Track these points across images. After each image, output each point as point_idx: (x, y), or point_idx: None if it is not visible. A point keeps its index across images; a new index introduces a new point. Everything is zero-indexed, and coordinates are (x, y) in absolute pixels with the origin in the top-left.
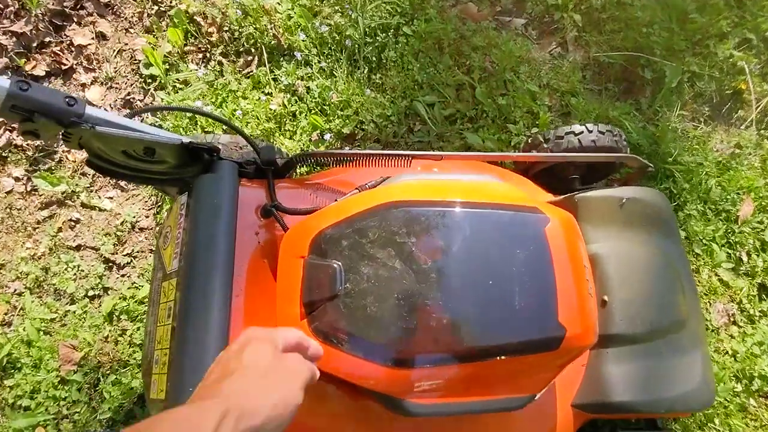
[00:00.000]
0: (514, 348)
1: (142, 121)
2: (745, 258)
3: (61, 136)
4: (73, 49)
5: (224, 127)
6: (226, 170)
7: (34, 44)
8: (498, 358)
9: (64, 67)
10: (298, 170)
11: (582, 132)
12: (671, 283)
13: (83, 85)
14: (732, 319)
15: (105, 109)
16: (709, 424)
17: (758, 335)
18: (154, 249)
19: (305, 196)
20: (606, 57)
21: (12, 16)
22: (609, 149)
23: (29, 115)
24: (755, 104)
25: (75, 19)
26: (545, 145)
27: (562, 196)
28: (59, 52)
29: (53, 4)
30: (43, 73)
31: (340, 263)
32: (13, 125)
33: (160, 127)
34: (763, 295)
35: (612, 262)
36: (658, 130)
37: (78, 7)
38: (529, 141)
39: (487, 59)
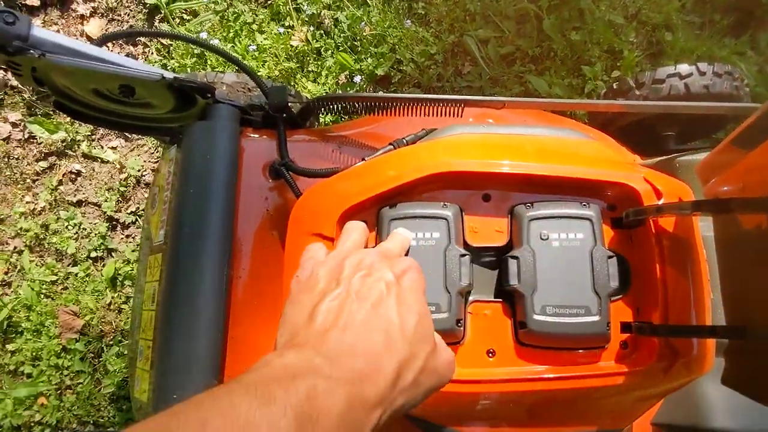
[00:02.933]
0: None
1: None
2: None
3: (8, 68)
4: None
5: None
6: (224, 116)
7: None
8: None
9: None
10: (321, 120)
11: (691, 74)
12: None
13: (82, 17)
14: None
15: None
16: None
17: None
18: (142, 215)
19: (326, 152)
20: None
21: None
22: (726, 98)
23: None
24: None
25: None
26: (637, 92)
27: (657, 159)
28: None
29: None
30: (38, 3)
31: None
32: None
33: (164, 67)
34: None
35: (718, 245)
36: None
37: None
38: (615, 86)
39: None
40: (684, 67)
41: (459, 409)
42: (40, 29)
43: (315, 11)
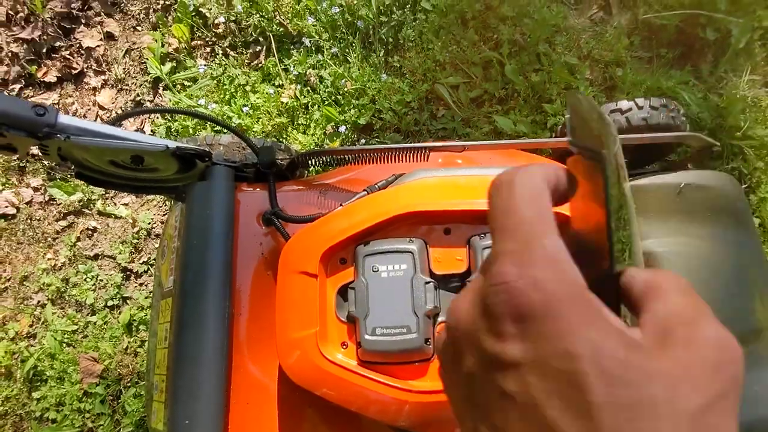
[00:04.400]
0: None
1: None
2: None
3: (38, 150)
4: (82, 51)
5: (242, 107)
6: (221, 176)
7: (44, 50)
8: None
9: (74, 72)
10: (311, 169)
11: (630, 109)
12: (744, 286)
13: (94, 89)
14: None
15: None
16: None
17: None
18: (153, 264)
19: (312, 199)
20: (658, 18)
21: (22, 23)
22: (664, 127)
23: None
24: None
25: (83, 21)
26: None
27: None
28: (69, 57)
29: (61, 7)
30: (55, 79)
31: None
32: None
33: (168, 129)
34: None
35: (672, 262)
36: (723, 100)
37: (85, 8)
38: (567, 122)
39: (517, 31)
40: (624, 103)
41: (442, 418)
42: (64, 116)
43: (301, 71)
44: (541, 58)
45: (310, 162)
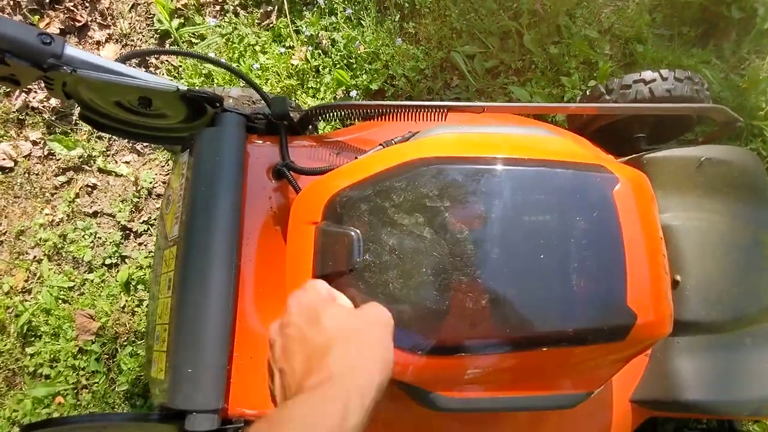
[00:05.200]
0: (570, 337)
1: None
2: None
3: (43, 83)
4: (87, 4)
5: (240, 80)
6: (231, 123)
7: (47, 0)
8: (549, 348)
9: (78, 24)
10: (321, 128)
11: (654, 80)
12: (761, 262)
13: (98, 43)
14: None
15: None
16: None
17: None
18: (158, 214)
19: (324, 156)
20: None
21: None
22: (688, 100)
23: (0, 56)
24: None
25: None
26: (608, 97)
27: (627, 158)
28: (73, 8)
29: None
30: (58, 31)
31: (358, 231)
32: (28, 86)
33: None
34: None
35: (688, 236)
36: (745, 81)
37: None
38: (588, 93)
39: (537, 1)
40: (648, 74)
41: (449, 377)
42: (71, 48)
43: (313, 32)
44: (561, 30)
45: (325, 115)
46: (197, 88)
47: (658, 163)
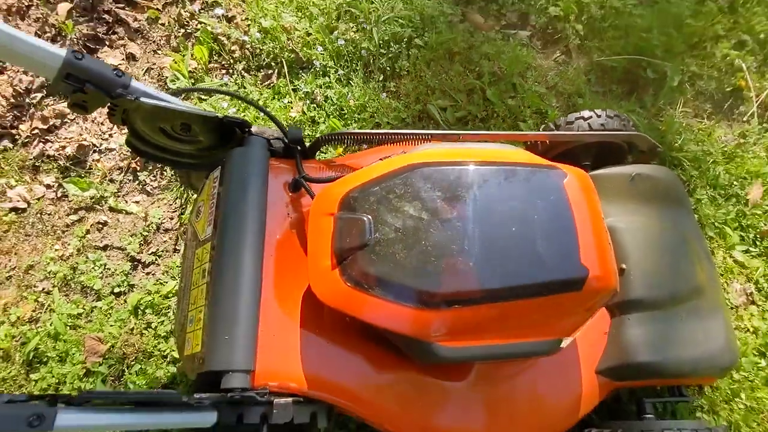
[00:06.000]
0: (539, 289)
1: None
2: (758, 240)
3: (107, 109)
4: None
5: (255, 117)
6: (257, 144)
7: None
8: (524, 299)
9: None
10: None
11: (591, 117)
12: (687, 254)
13: None
14: (750, 299)
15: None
16: (735, 399)
17: None
18: (186, 223)
19: (330, 173)
20: (609, 61)
21: (49, 41)
22: (617, 131)
23: (81, 86)
24: (755, 99)
25: (107, 43)
26: (556, 132)
27: None
28: None
29: (87, 30)
30: None
31: (369, 216)
32: (46, 137)
33: None
34: None
35: (628, 234)
36: (663, 124)
37: (110, 32)
38: (541, 129)
39: (495, 65)
40: (586, 112)
41: (446, 328)
42: (136, 82)
43: (309, 89)
44: (516, 86)
45: (332, 141)
46: (231, 116)
47: (600, 178)
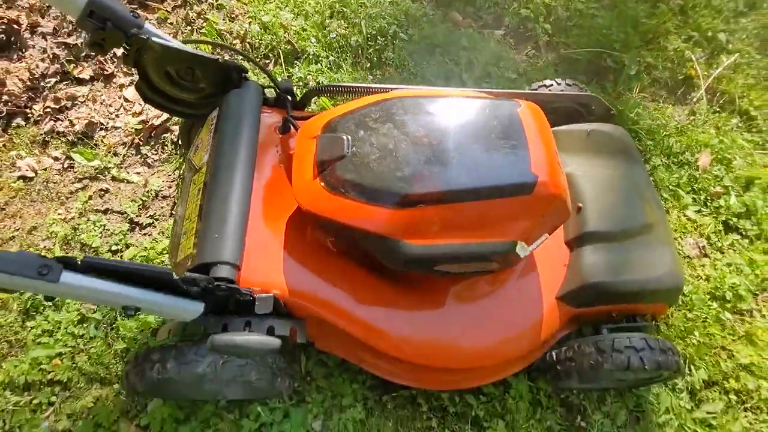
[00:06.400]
0: (494, 191)
1: None
2: (708, 201)
3: (122, 50)
4: (115, 60)
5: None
6: (252, 86)
7: (83, 54)
8: (480, 200)
9: (106, 73)
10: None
11: (552, 84)
12: (638, 197)
13: (121, 86)
14: (703, 251)
15: None
16: (689, 336)
17: (727, 259)
18: (184, 161)
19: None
20: (574, 54)
21: (65, 35)
22: (573, 93)
23: (102, 24)
24: (703, 84)
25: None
26: (519, 91)
27: None
28: (103, 61)
29: None
30: (88, 77)
31: (348, 135)
32: (57, 116)
33: None
34: (728, 232)
35: (584, 179)
36: (621, 104)
37: None
38: None
39: (472, 55)
40: (548, 81)
41: (413, 225)
42: (149, 24)
43: (302, 74)
44: (491, 73)
45: (321, 94)
46: (229, 59)
47: (559, 133)
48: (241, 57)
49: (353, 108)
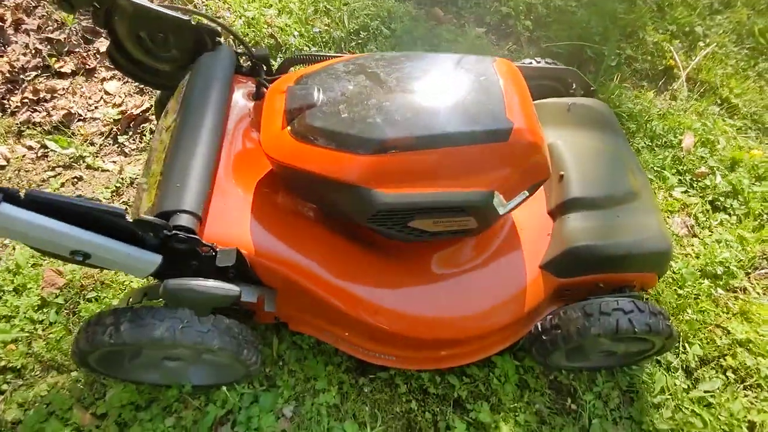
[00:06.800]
0: (469, 136)
1: None
2: (694, 182)
3: (91, 9)
4: (98, 55)
5: None
6: (225, 50)
7: (65, 49)
8: (455, 146)
9: (88, 68)
10: None
11: (531, 62)
12: (621, 165)
13: (103, 80)
14: (692, 231)
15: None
16: (682, 313)
17: (716, 236)
18: (154, 129)
19: None
20: (555, 47)
21: (50, 31)
22: (552, 67)
23: None
24: (683, 72)
25: (103, 35)
26: None
27: None
28: (85, 56)
29: (87, 22)
30: (69, 72)
31: (319, 86)
32: (35, 107)
33: None
34: (716, 212)
35: (567, 149)
36: (603, 91)
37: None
38: None
39: (453, 48)
40: (527, 60)
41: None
42: None
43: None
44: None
45: (297, 63)
46: (202, 23)
47: (543, 107)
48: (214, 24)
49: (326, 65)
